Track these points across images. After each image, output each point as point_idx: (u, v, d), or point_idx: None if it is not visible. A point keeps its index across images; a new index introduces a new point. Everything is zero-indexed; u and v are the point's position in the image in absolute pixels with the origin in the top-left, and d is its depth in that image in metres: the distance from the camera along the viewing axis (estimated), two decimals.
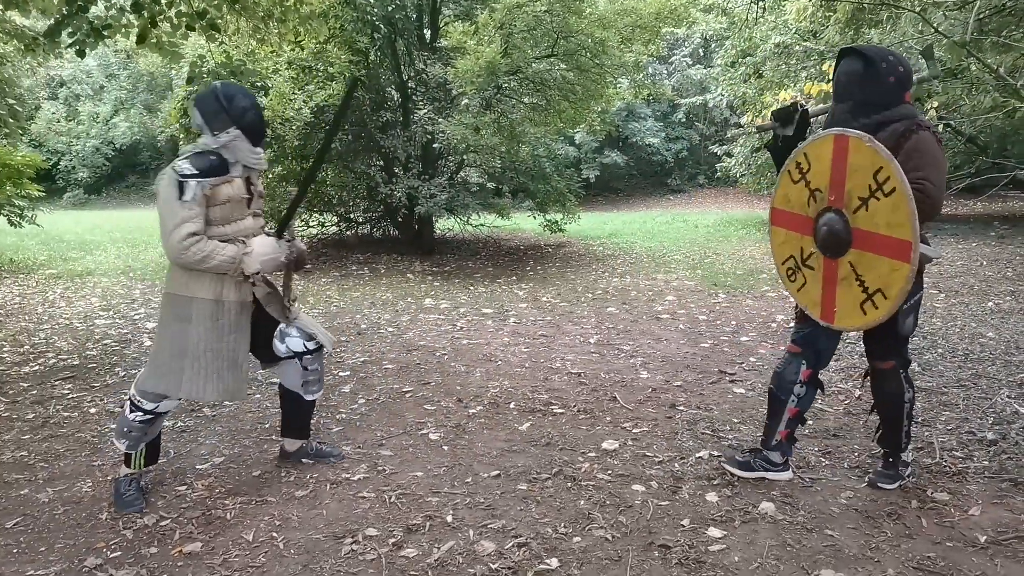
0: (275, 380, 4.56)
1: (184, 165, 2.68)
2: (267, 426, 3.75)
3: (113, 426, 2.91)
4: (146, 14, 4.76)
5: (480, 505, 2.83)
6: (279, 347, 3.02)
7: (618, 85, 12.62)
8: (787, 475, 2.97)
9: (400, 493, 2.94)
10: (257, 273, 2.83)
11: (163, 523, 2.74)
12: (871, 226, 2.53)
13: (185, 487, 3.05)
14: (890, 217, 2.45)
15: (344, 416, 3.89)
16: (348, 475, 3.11)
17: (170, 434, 3.66)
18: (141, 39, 4.87)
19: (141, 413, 2.82)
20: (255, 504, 2.89)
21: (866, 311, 2.59)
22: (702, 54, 22.39)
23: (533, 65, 9.29)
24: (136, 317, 6.65)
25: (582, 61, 9.58)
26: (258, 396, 4.26)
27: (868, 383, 2.94)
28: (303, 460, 3.24)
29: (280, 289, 3.02)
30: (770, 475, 2.96)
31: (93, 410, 4.07)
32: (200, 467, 3.26)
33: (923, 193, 2.44)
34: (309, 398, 3.16)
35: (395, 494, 2.93)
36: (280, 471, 3.19)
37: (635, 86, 13.11)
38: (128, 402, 2.85)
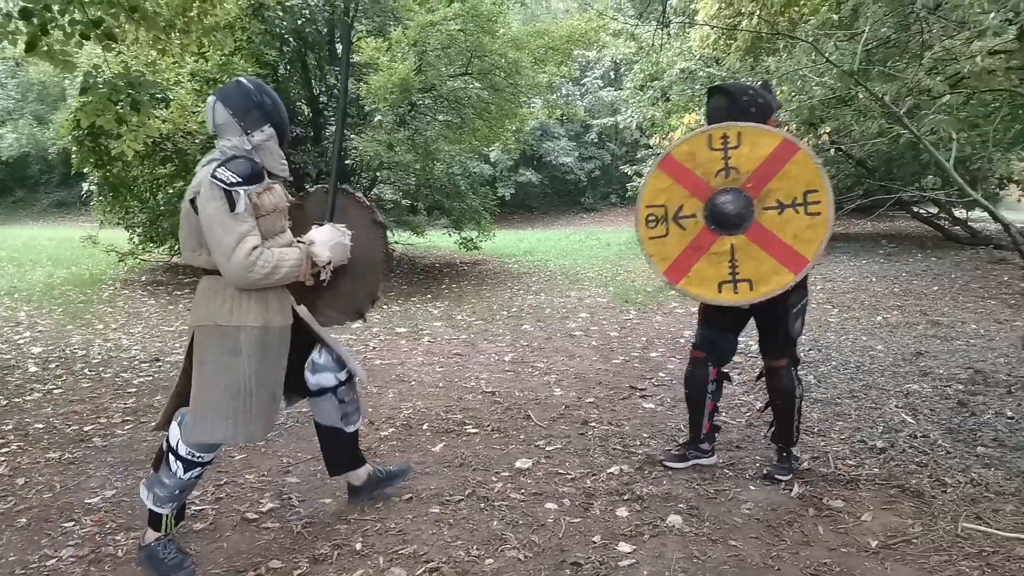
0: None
1: (226, 173, 2.32)
2: None
3: (147, 493, 2.49)
4: (36, 21, 4.48)
5: (391, 531, 2.76)
6: (309, 379, 2.74)
7: (532, 105, 12.80)
8: (713, 459, 3.31)
9: (307, 522, 2.84)
10: (328, 264, 2.56)
11: (48, 563, 2.55)
12: (776, 228, 2.69)
13: (72, 523, 2.85)
14: (801, 232, 2.64)
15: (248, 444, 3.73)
16: (251, 505, 2.98)
17: (56, 467, 3.42)
18: (30, 47, 4.57)
19: (199, 469, 2.48)
20: None
21: (722, 291, 2.78)
22: (613, 77, 23.03)
23: (447, 83, 9.31)
24: (20, 342, 6.21)
25: (496, 80, 9.67)
26: (154, 424, 4.04)
27: (765, 382, 3.20)
28: (377, 488, 2.98)
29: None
30: (702, 461, 3.29)
31: None
32: (89, 501, 3.06)
33: None
34: (350, 430, 2.88)
35: (301, 523, 2.82)
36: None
37: (548, 106, 13.34)
38: (178, 462, 2.44)
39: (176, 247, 10.25)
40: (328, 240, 2.58)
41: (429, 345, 6.06)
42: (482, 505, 2.96)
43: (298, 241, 2.59)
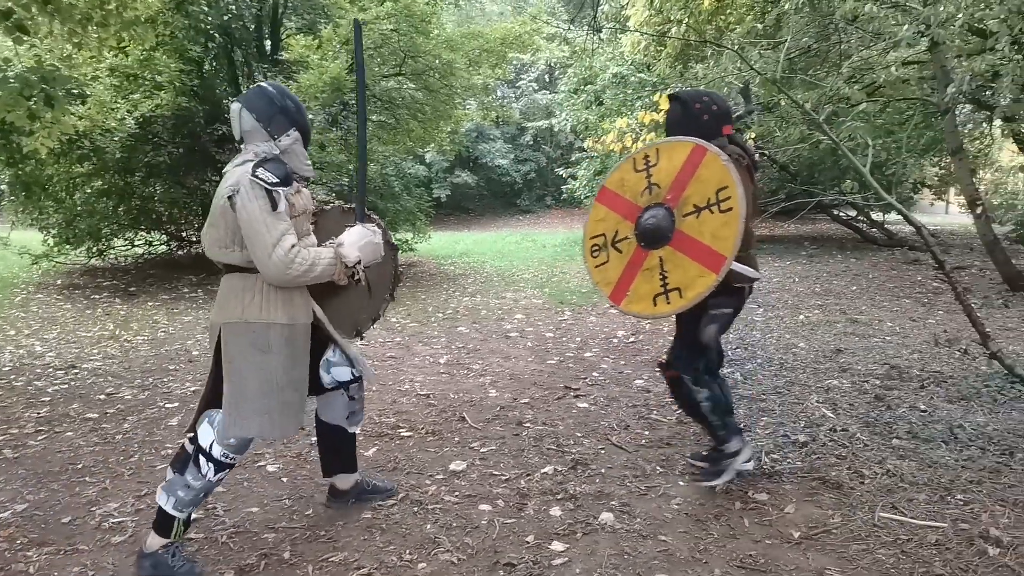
0: (90, 414, 4.17)
1: (266, 173, 2.36)
2: (79, 466, 3.39)
3: (167, 497, 2.43)
4: None
5: (321, 538, 2.70)
6: (325, 378, 2.75)
7: (467, 106, 12.79)
8: (750, 465, 3.09)
9: (233, 532, 2.75)
10: (359, 263, 2.56)
11: None
12: (696, 233, 2.75)
13: None
14: (717, 231, 2.68)
15: (170, 451, 3.59)
16: None
17: None
18: None
19: (228, 469, 2.49)
20: (64, 554, 2.59)
21: (657, 303, 2.84)
22: (547, 80, 23.25)
23: (381, 83, 9.21)
24: None
25: (430, 81, 9.63)
26: (70, 434, 3.86)
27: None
28: (358, 499, 2.97)
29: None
30: (738, 465, 3.04)
31: None
32: None
33: None
34: (352, 430, 2.93)
35: (227, 533, 2.74)
36: (94, 516, 2.88)
37: (483, 108, 13.37)
38: (210, 464, 2.44)
39: (95, 248, 9.82)
40: (357, 240, 2.59)
41: (363, 348, 5.97)
42: (415, 509, 2.93)
43: (327, 244, 2.60)
